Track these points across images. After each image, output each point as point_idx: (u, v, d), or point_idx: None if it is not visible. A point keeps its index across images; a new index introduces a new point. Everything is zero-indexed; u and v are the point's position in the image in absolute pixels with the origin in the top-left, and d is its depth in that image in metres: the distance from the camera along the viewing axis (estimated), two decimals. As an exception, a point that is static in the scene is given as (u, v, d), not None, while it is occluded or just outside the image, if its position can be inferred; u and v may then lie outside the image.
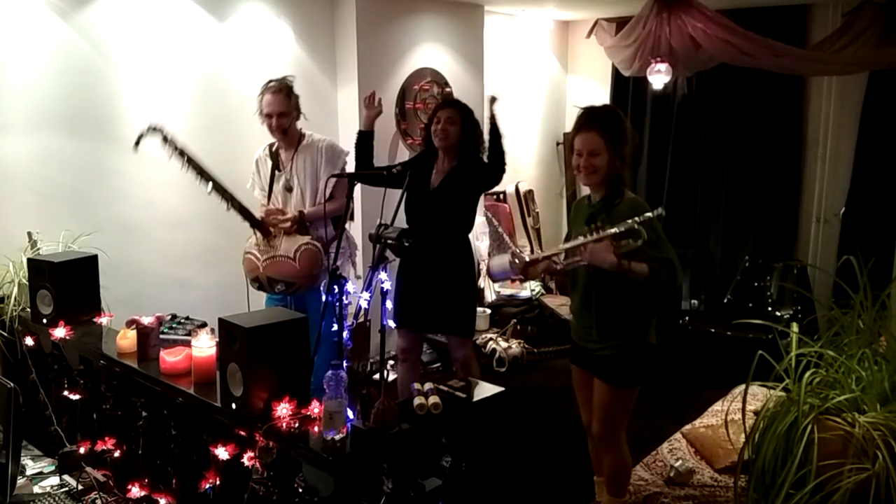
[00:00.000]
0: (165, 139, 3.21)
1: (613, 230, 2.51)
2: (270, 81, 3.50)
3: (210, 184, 3.31)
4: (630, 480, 3.12)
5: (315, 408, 2.02)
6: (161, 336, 2.59)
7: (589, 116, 2.71)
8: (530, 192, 6.41)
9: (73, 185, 3.73)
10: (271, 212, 3.49)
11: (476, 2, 5.42)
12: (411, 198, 3.48)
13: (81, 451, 2.67)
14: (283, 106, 3.44)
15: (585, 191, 2.88)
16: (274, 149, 3.63)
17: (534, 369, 5.17)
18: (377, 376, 4.28)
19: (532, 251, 6.29)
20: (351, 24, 4.73)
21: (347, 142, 4.85)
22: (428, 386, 2.19)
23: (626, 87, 6.32)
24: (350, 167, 3.75)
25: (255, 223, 3.46)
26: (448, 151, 3.49)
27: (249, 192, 3.69)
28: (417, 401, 2.08)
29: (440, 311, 3.52)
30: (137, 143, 3.20)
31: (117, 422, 2.60)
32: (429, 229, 3.47)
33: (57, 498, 2.51)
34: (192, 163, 3.27)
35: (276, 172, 3.59)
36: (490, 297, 5.74)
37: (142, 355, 2.52)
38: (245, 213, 3.42)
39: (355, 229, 4.63)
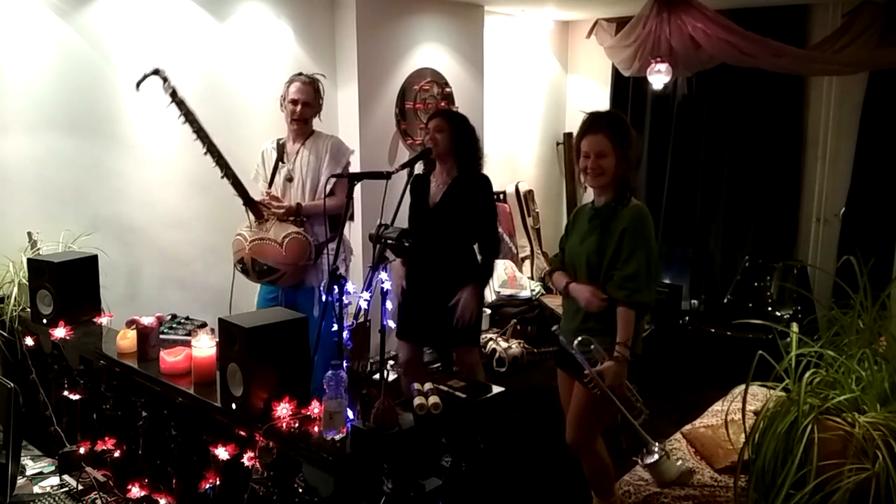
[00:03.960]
0: (166, 81, 3.24)
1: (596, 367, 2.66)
2: (301, 74, 3.59)
3: (206, 146, 3.31)
4: (625, 480, 3.12)
5: (315, 408, 2.02)
6: (161, 336, 2.59)
7: (596, 119, 2.75)
8: (530, 192, 6.41)
9: (73, 185, 3.73)
10: (269, 197, 3.50)
11: (476, 2, 5.42)
12: (413, 212, 3.48)
13: (81, 451, 2.67)
14: (310, 97, 3.53)
15: (586, 192, 2.89)
16: (281, 142, 3.66)
17: (534, 369, 5.17)
18: (377, 376, 4.28)
19: (532, 251, 6.30)
20: (351, 24, 4.73)
21: (347, 141, 4.84)
22: (428, 386, 2.19)
23: (626, 87, 6.32)
24: (354, 167, 3.76)
25: (249, 201, 3.46)
26: (443, 160, 3.47)
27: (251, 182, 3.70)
28: (417, 401, 2.08)
29: (446, 325, 3.50)
30: (139, 84, 3.23)
31: (117, 422, 2.60)
32: (432, 245, 3.46)
33: (57, 498, 2.51)
34: (189, 117, 3.28)
35: (280, 163, 3.60)
36: (490, 297, 5.74)
37: (142, 355, 2.52)
38: (239, 186, 3.43)
39: (355, 229, 4.63)
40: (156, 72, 3.24)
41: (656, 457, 2.69)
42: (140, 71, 3.87)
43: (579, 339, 2.67)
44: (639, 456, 2.75)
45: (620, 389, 2.67)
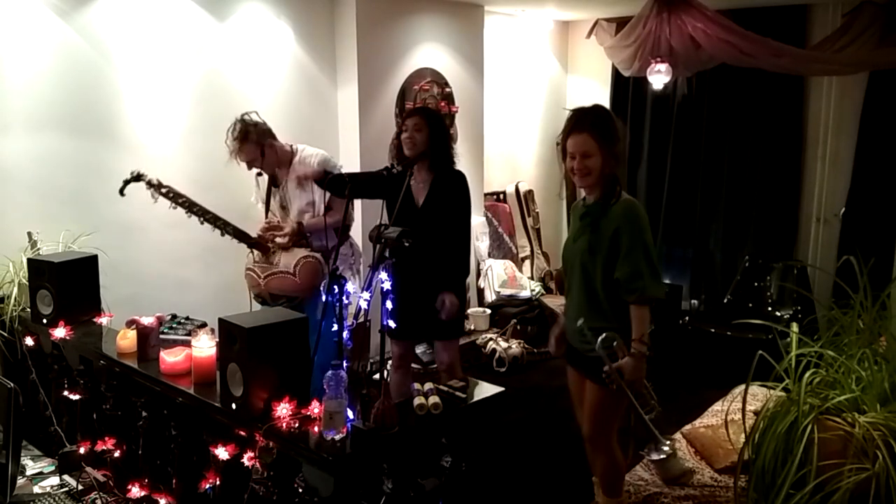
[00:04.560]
0: (150, 184, 3.24)
1: (612, 365, 2.63)
2: (233, 124, 3.48)
3: (202, 217, 3.35)
4: (625, 480, 3.12)
5: (315, 408, 2.02)
6: (161, 336, 2.59)
7: (579, 118, 2.72)
8: (530, 192, 6.42)
9: (73, 185, 3.73)
10: (268, 228, 3.51)
11: (476, 2, 5.42)
12: (398, 212, 3.47)
13: (81, 451, 2.67)
14: (247, 154, 3.46)
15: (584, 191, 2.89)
16: None
17: (534, 369, 5.17)
18: (377, 376, 4.28)
19: (532, 251, 6.30)
20: (351, 24, 4.73)
21: (347, 142, 4.87)
22: (428, 386, 2.19)
23: (626, 87, 6.33)
24: (353, 167, 3.76)
25: (253, 243, 3.49)
26: (419, 161, 3.44)
27: (250, 206, 3.73)
28: (417, 401, 2.08)
29: (429, 317, 3.50)
30: (122, 189, 3.23)
31: (117, 422, 2.60)
32: (423, 243, 3.44)
33: (57, 498, 2.51)
34: (179, 200, 3.30)
35: (273, 188, 3.61)
36: (490, 297, 5.74)
37: (142, 355, 2.52)
38: (240, 235, 3.46)
39: (355, 230, 4.63)
40: (138, 177, 3.23)
41: (664, 455, 2.70)
42: (141, 71, 3.92)
43: (603, 335, 2.65)
44: (646, 450, 2.75)
45: (638, 385, 2.66)
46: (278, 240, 3.47)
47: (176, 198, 3.28)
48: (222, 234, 3.41)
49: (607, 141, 2.66)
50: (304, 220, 3.53)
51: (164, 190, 3.26)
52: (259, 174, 3.64)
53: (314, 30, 4.72)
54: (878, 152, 5.20)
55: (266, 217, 3.63)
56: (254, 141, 3.44)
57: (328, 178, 3.24)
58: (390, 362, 3.90)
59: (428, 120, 3.44)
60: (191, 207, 3.32)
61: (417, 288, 3.50)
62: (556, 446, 3.93)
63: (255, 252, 3.52)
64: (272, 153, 3.51)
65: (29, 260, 3.02)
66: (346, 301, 2.65)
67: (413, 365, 4.12)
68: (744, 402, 2.29)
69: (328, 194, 3.41)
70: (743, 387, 2.31)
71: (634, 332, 2.63)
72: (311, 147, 3.64)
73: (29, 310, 3.04)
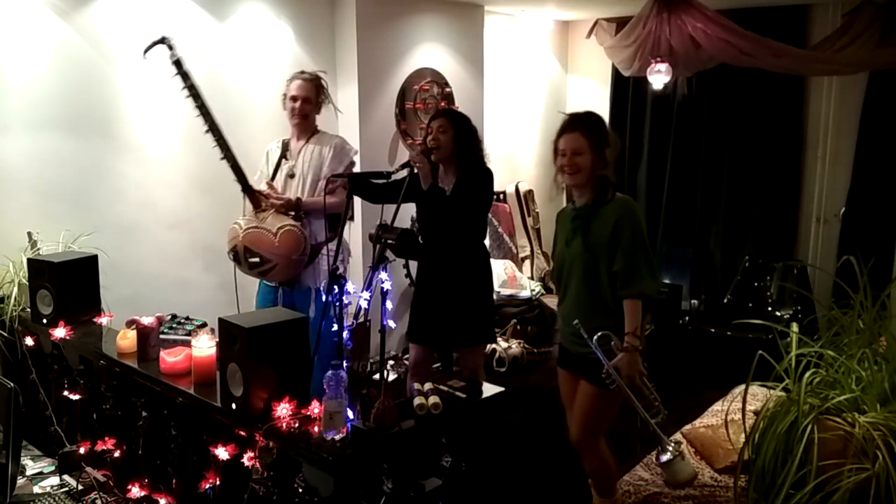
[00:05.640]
0: (172, 57, 3.24)
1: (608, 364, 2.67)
2: (303, 72, 3.61)
3: (207, 124, 3.30)
4: (625, 479, 3.12)
5: (315, 408, 2.02)
6: (161, 336, 2.59)
7: (572, 119, 2.79)
8: (530, 192, 6.41)
9: (73, 185, 3.73)
10: (270, 188, 3.50)
11: (476, 2, 5.42)
12: (422, 214, 3.45)
13: (81, 451, 2.67)
14: (309, 93, 3.54)
15: (562, 192, 2.91)
16: (286, 141, 3.67)
17: (534, 369, 5.17)
18: (377, 376, 4.28)
19: (532, 251, 6.30)
20: (351, 24, 4.73)
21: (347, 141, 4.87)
22: (428, 386, 2.19)
23: (626, 87, 6.33)
24: (357, 167, 3.76)
25: (248, 188, 3.46)
26: (446, 162, 3.43)
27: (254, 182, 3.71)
28: (417, 401, 2.08)
29: (457, 326, 3.46)
30: (146, 51, 3.25)
31: (117, 422, 2.60)
32: (448, 244, 3.44)
33: (57, 498, 2.51)
34: (192, 91, 3.28)
35: (283, 160, 3.61)
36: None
37: (142, 355, 2.52)
38: (238, 171, 3.43)
39: (355, 230, 4.63)
40: (162, 40, 3.25)
41: (670, 456, 2.70)
42: (141, 71, 3.92)
43: (599, 334, 2.66)
44: (654, 454, 2.77)
45: (636, 381, 2.67)
46: (274, 200, 3.46)
47: (190, 88, 3.28)
48: (221, 158, 3.37)
49: (598, 141, 2.70)
50: (304, 196, 3.52)
51: (182, 70, 3.26)
52: (285, 144, 3.65)
53: (314, 30, 4.72)
54: (878, 152, 5.20)
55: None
56: (316, 89, 3.56)
57: (350, 177, 3.25)
58: (390, 362, 3.90)
59: (453, 121, 3.43)
60: (200, 109, 3.30)
61: (442, 292, 3.47)
62: (556, 446, 3.93)
63: (247, 203, 3.50)
64: (313, 115, 3.61)
65: (29, 260, 3.02)
66: (345, 301, 2.65)
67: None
68: (744, 402, 2.29)
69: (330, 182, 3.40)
70: (743, 387, 2.31)
71: (627, 326, 2.64)
72: (330, 133, 3.72)
73: (29, 310, 3.03)
